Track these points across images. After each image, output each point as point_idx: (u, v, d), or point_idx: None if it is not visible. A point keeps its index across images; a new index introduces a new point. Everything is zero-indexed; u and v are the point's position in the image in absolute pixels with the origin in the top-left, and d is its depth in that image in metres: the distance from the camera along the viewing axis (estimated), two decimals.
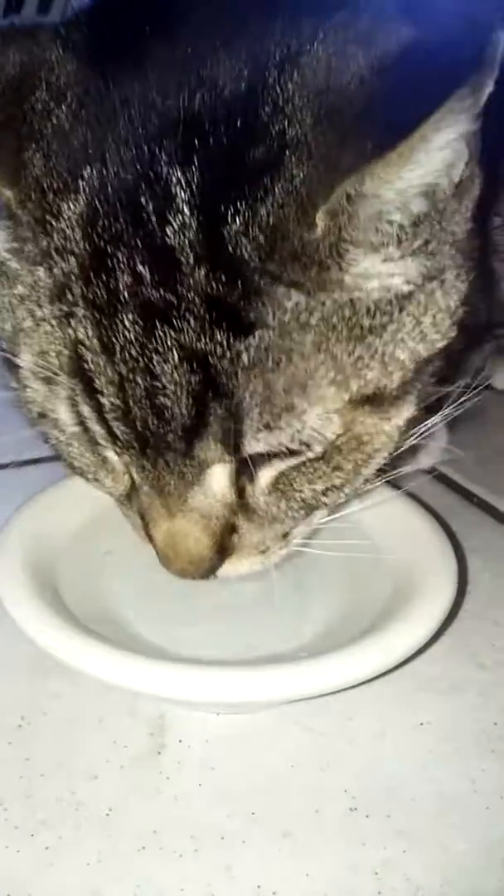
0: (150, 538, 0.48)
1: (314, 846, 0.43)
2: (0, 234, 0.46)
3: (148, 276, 0.41)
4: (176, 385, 0.41)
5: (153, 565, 0.49)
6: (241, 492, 0.46)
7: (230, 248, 0.40)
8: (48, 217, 0.43)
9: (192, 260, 0.40)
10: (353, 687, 0.46)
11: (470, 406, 0.52)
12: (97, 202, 0.41)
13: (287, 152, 0.40)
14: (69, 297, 0.43)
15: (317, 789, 0.46)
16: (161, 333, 0.41)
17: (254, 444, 0.43)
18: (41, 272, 0.44)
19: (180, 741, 0.48)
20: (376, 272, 0.42)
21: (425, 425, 0.49)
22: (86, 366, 0.43)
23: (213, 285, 0.40)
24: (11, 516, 0.56)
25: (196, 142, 0.41)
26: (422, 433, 0.49)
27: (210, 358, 0.40)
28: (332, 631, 0.51)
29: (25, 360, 0.46)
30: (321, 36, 0.42)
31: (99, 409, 0.44)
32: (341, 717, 0.50)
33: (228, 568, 0.49)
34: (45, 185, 0.43)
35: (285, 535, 0.50)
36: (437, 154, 0.38)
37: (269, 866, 0.42)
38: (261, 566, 0.50)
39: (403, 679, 0.50)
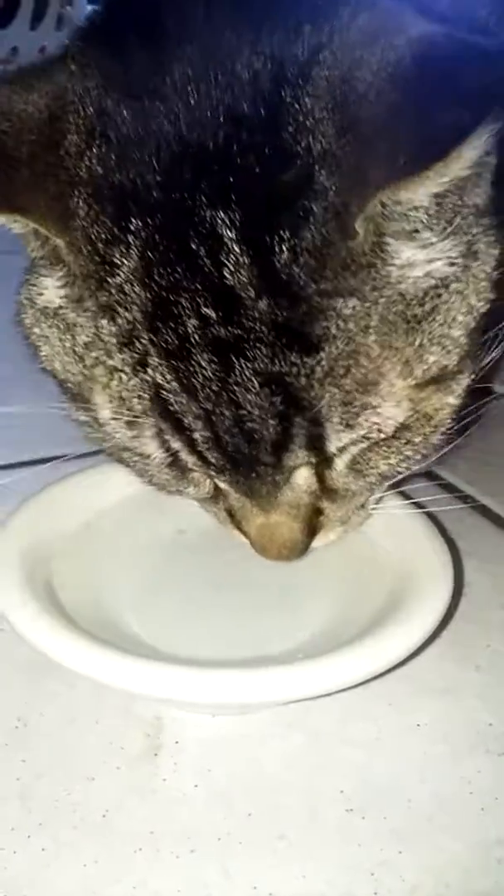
0: (243, 532, 0.52)
1: (310, 847, 0.43)
2: (49, 280, 0.47)
3: (214, 316, 0.42)
4: (260, 409, 0.43)
5: (150, 566, 0.49)
6: (321, 478, 0.49)
7: (284, 276, 0.41)
8: (102, 273, 0.44)
9: (252, 294, 0.42)
10: (348, 688, 0.46)
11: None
12: (149, 253, 0.42)
13: (317, 168, 0.41)
14: (138, 345, 0.44)
15: (313, 791, 0.46)
16: (238, 366, 0.43)
17: (336, 443, 0.46)
18: (104, 322, 0.45)
19: (177, 742, 0.48)
20: (418, 259, 0.43)
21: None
22: (171, 407, 0.45)
23: (277, 313, 0.42)
24: (7, 517, 0.55)
25: (230, 178, 0.41)
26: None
27: (287, 378, 0.43)
28: (329, 632, 0.51)
29: (102, 405, 0.47)
30: (327, 41, 0.42)
31: (190, 443, 0.46)
32: (337, 719, 0.50)
33: (316, 542, 0.53)
34: (92, 236, 0.43)
35: (363, 505, 0.54)
36: (468, 160, 0.39)
37: (265, 867, 0.42)
38: (344, 533, 0.54)
39: (399, 681, 0.51)
